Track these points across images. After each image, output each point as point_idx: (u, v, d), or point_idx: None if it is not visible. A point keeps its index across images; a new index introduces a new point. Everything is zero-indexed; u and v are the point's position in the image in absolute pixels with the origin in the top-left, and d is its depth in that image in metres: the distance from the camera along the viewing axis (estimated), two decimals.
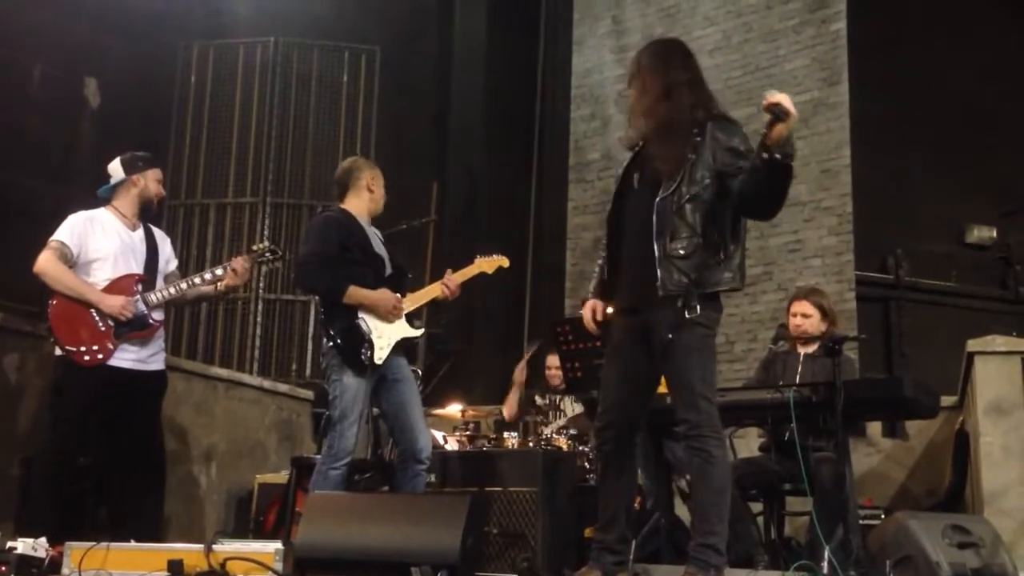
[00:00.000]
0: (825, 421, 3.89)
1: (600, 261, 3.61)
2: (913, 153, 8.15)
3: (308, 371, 8.57)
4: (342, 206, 4.36)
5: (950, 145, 8.09)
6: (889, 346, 8.00)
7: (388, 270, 4.30)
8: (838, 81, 7.94)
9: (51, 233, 4.31)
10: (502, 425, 6.32)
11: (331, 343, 4.11)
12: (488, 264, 4.57)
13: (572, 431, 5.52)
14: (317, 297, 4.49)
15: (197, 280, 4.47)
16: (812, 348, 4.59)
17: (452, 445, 5.31)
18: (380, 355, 4.12)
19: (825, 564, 3.53)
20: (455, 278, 4.37)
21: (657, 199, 3.23)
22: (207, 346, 8.51)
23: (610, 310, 3.60)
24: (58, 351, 4.28)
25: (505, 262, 4.60)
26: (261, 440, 6.34)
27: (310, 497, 3.53)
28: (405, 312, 4.24)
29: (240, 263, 4.49)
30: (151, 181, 4.55)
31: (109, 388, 4.25)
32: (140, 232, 4.52)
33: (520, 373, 6.39)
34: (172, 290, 4.42)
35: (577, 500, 4.27)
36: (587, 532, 4.16)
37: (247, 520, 5.66)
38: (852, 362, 4.79)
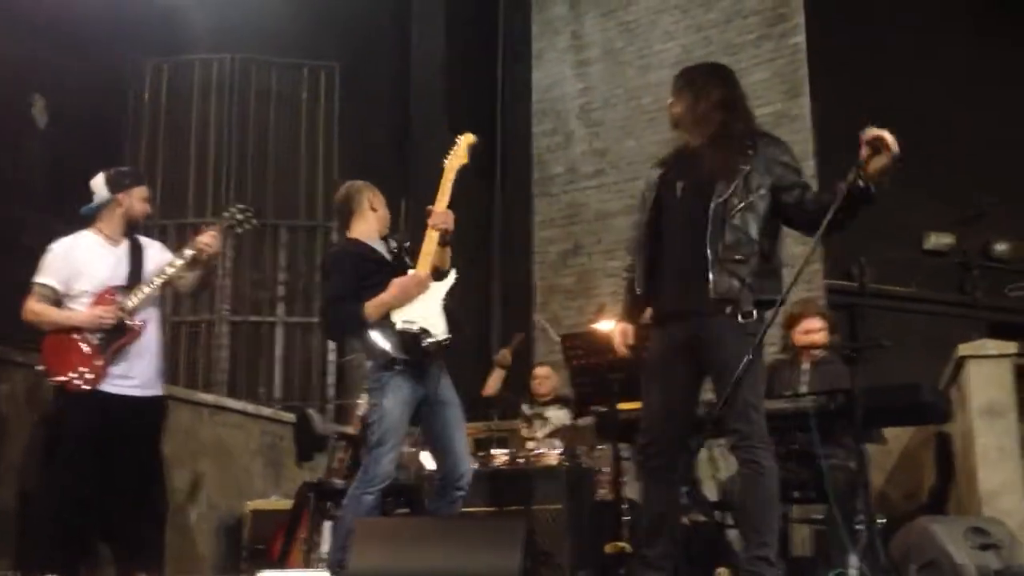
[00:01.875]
0: (843, 428, 3.93)
1: (626, 279, 3.57)
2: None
3: (278, 393, 8.44)
4: (349, 235, 4.26)
5: (909, 153, 8.29)
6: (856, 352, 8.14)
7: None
8: (799, 94, 8.11)
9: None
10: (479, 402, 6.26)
11: (382, 361, 3.92)
12: (456, 158, 4.28)
13: (559, 444, 5.52)
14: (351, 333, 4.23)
15: (169, 269, 4.26)
16: (814, 356, 4.65)
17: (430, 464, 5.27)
18: (437, 329, 3.92)
19: (856, 571, 3.56)
20: (436, 206, 4.09)
21: (712, 204, 3.23)
22: (171, 367, 8.28)
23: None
24: (51, 382, 4.12)
25: (470, 137, 4.34)
26: (247, 466, 6.20)
27: (358, 523, 3.44)
28: (425, 277, 4.01)
29: (206, 239, 4.30)
30: (136, 200, 4.38)
31: (108, 417, 4.10)
32: (124, 246, 4.36)
33: (503, 358, 6.34)
34: (146, 288, 4.22)
35: (597, 516, 4.24)
36: (607, 548, 4.14)
37: (239, 550, 5.52)
38: (847, 369, 4.86)
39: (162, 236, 8.51)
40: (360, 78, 9.22)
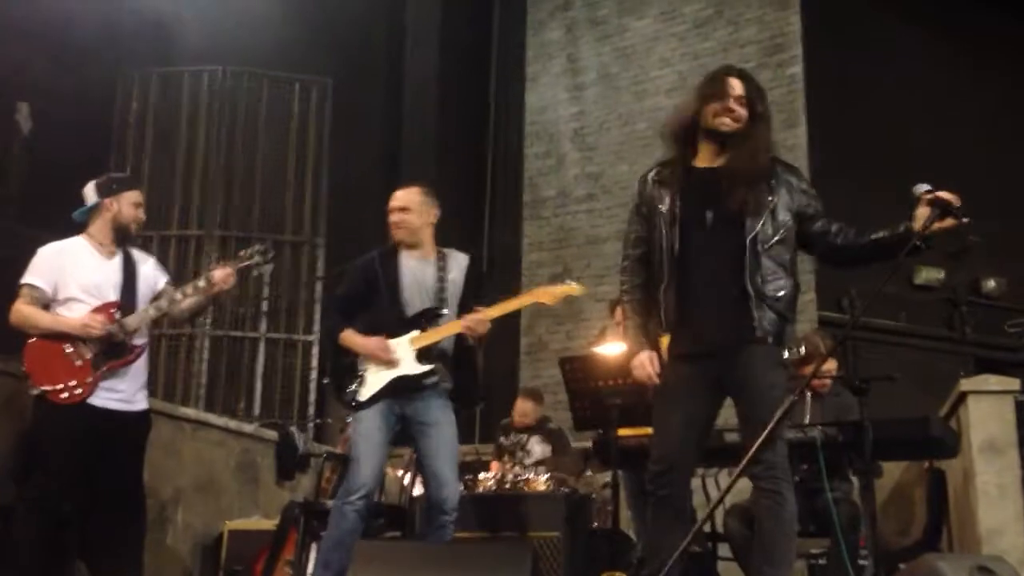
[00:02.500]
0: (851, 461, 3.84)
1: (629, 302, 3.40)
2: (867, 194, 8.33)
3: (256, 409, 8.27)
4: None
5: (901, 187, 8.29)
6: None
7: (410, 309, 4.07)
8: (796, 123, 8.10)
9: None
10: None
11: (329, 381, 4.07)
12: (545, 295, 4.15)
13: (547, 473, 5.41)
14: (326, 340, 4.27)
15: (178, 296, 4.17)
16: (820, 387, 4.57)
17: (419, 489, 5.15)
18: (365, 392, 4.00)
19: None
20: (486, 313, 4.03)
21: (748, 238, 3.13)
22: (150, 382, 8.09)
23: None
24: (34, 392, 3.96)
25: (577, 290, 4.19)
26: (226, 484, 6.03)
27: (358, 547, 3.30)
28: (415, 348, 4.01)
29: (220, 274, 4.16)
30: (126, 205, 4.19)
31: (91, 431, 3.94)
32: (117, 259, 4.21)
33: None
34: (152, 311, 4.11)
35: (593, 544, 4.13)
36: None
37: (216, 570, 5.35)
38: (855, 400, 4.78)
39: (145, 247, 8.31)
40: (352, 95, 9.14)
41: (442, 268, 4.12)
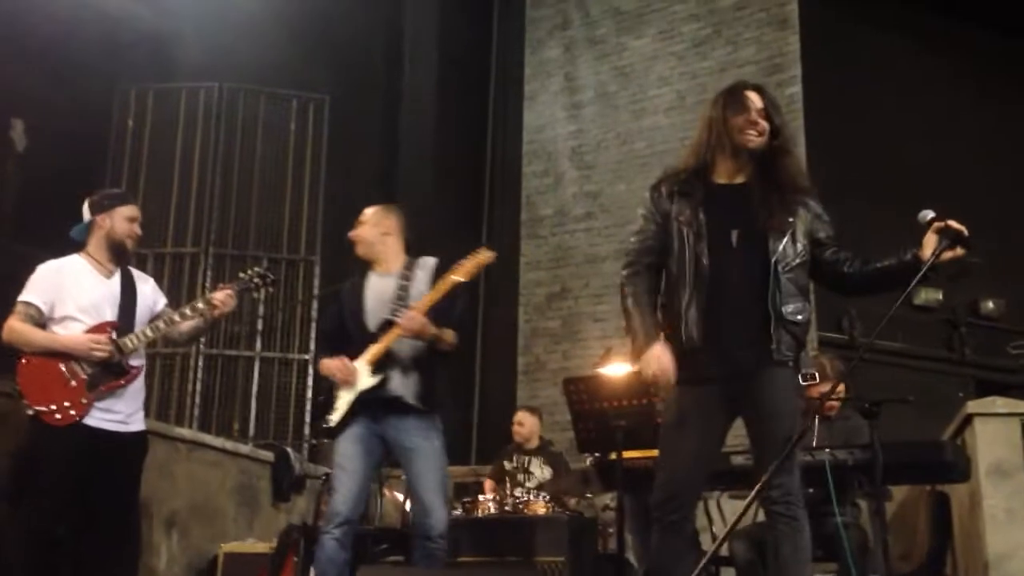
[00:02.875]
0: (861, 484, 3.78)
1: (637, 305, 3.25)
2: (866, 216, 8.31)
3: (251, 430, 8.18)
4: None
5: (900, 207, 8.28)
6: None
7: (368, 330, 3.98)
8: (794, 144, 8.05)
9: None
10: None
11: None
12: (463, 272, 3.92)
13: (546, 495, 5.34)
14: None
15: (176, 318, 4.08)
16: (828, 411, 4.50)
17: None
18: (334, 417, 3.95)
19: None
20: (414, 308, 3.88)
21: (773, 259, 3.07)
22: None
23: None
24: (29, 412, 3.87)
25: (486, 255, 3.97)
26: (221, 506, 5.93)
27: (361, 573, 3.22)
28: (367, 364, 3.92)
29: (221, 296, 4.08)
30: (119, 221, 4.09)
31: (86, 451, 3.84)
32: (116, 278, 4.13)
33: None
34: (149, 332, 4.03)
35: (599, 569, 4.05)
36: None
37: None
38: (865, 423, 4.72)
39: (140, 264, 8.29)
40: (350, 112, 9.10)
41: (405, 278, 4.01)
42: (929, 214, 3.00)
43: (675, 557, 3.14)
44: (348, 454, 3.89)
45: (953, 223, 2.92)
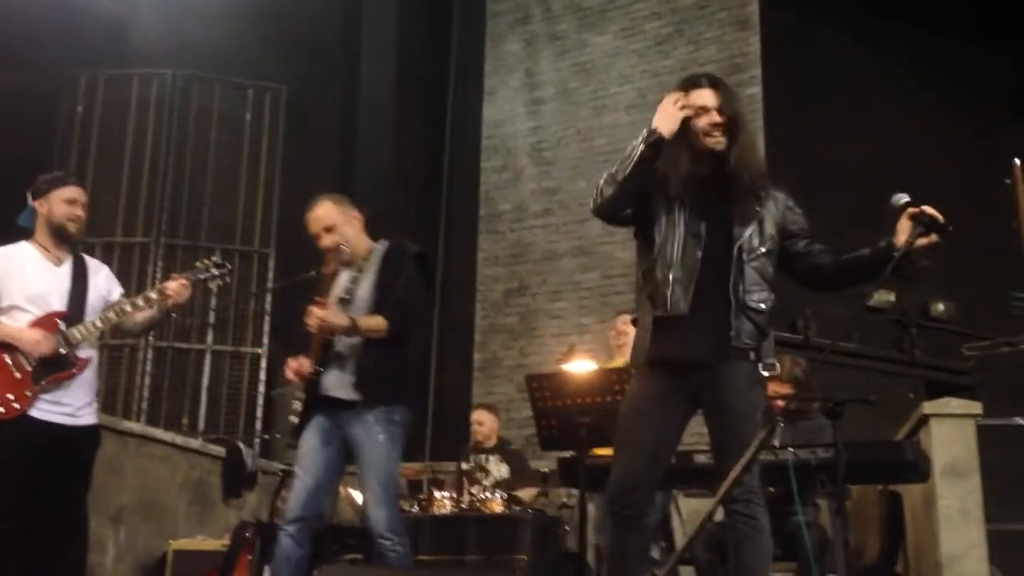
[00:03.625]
0: (823, 484, 3.78)
1: None
2: (821, 216, 8.35)
3: (201, 424, 8.02)
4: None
5: (854, 209, 8.36)
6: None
7: None
8: (752, 133, 8.10)
9: None
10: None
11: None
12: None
13: (504, 494, 5.29)
14: None
15: (128, 308, 3.95)
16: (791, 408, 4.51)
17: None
18: (293, 418, 3.89)
19: None
20: (313, 305, 3.85)
21: (734, 247, 3.05)
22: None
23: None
24: None
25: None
26: (171, 502, 5.80)
27: (323, 570, 3.14)
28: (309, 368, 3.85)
29: (174, 286, 3.95)
30: (56, 203, 3.94)
31: (32, 445, 3.72)
32: (66, 267, 4.00)
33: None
34: (99, 323, 3.90)
35: (561, 568, 4.01)
36: None
37: None
38: (827, 423, 4.73)
39: (88, 254, 8.07)
40: (306, 103, 8.96)
41: (360, 268, 3.94)
42: (903, 198, 2.95)
43: (633, 553, 3.11)
44: (305, 448, 3.82)
45: (928, 208, 2.88)
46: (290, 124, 8.73)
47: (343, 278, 3.97)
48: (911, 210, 2.91)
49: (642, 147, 3.07)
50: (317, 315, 3.71)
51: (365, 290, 3.87)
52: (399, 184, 9.28)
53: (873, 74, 8.54)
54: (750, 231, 3.07)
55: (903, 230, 2.91)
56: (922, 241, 2.89)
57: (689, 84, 3.18)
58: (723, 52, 8.41)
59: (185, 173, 8.45)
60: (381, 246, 4.02)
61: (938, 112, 8.68)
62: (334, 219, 3.95)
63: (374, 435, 3.76)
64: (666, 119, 3.05)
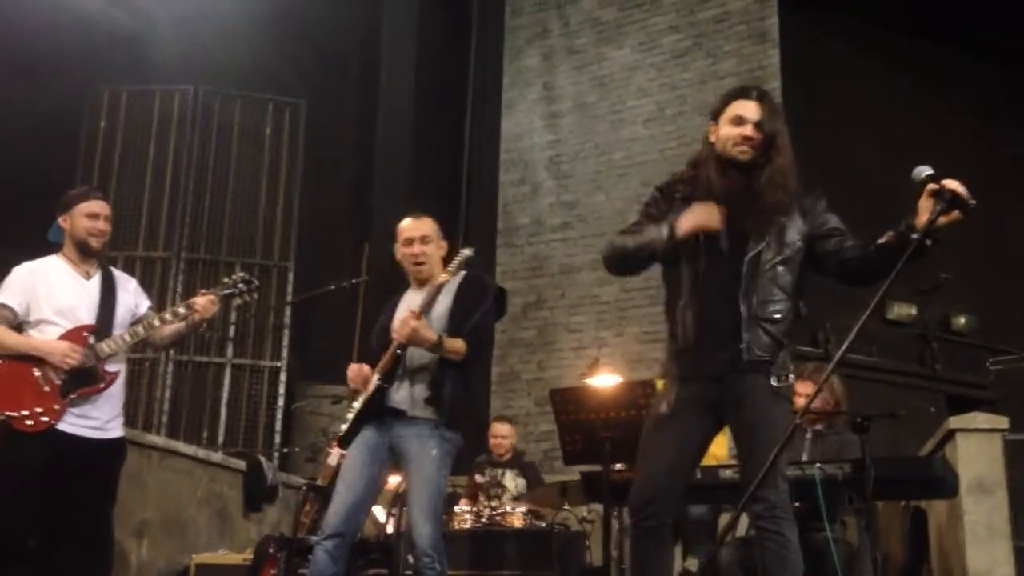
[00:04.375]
0: (851, 500, 3.75)
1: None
2: (846, 224, 8.34)
3: (220, 438, 8.04)
4: None
5: (873, 221, 8.33)
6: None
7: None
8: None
9: None
10: None
11: None
12: (447, 273, 3.93)
13: (523, 508, 5.28)
14: None
15: (156, 322, 3.98)
16: (819, 424, 4.48)
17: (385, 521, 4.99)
18: (342, 427, 3.87)
19: None
20: (413, 313, 3.77)
21: (746, 257, 3.03)
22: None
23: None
24: (1, 417, 3.75)
25: (467, 254, 3.98)
26: (193, 515, 5.81)
27: None
28: (376, 372, 3.83)
29: (202, 302, 3.99)
30: (79, 218, 3.96)
31: (61, 459, 3.73)
32: (95, 280, 4.02)
33: None
34: (127, 337, 3.92)
35: None
36: None
37: None
38: (855, 438, 4.70)
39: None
40: (326, 118, 9.03)
41: (435, 292, 3.88)
42: (925, 171, 2.76)
43: (653, 565, 3.08)
44: (350, 464, 3.78)
45: (950, 183, 2.71)
46: (310, 138, 8.79)
47: (411, 298, 3.94)
48: (931, 186, 2.73)
49: (662, 240, 3.06)
50: (412, 324, 3.69)
51: (440, 312, 3.86)
52: (417, 198, 9.29)
53: (892, 87, 8.53)
54: (764, 243, 3.03)
55: (924, 209, 2.74)
56: (945, 219, 2.70)
57: (738, 93, 3.17)
58: (742, 65, 8.41)
59: (206, 187, 8.52)
60: (458, 275, 3.98)
61: (958, 125, 8.67)
62: (433, 234, 3.99)
63: (428, 449, 3.75)
64: (691, 220, 3.02)
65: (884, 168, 8.55)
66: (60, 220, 3.99)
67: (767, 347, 2.99)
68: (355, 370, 3.86)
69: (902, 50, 8.88)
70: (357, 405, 3.86)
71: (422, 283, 3.92)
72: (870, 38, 8.74)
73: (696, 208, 3.03)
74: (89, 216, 3.99)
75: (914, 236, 2.72)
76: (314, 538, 3.91)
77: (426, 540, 3.64)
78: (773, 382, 2.98)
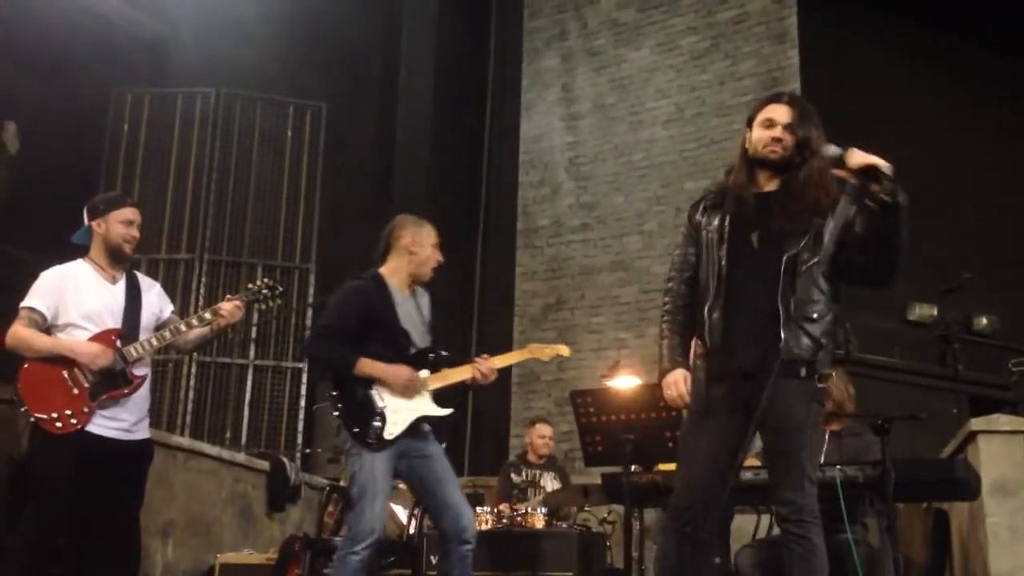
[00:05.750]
0: (872, 502, 3.75)
1: (670, 324, 3.28)
2: None
3: (243, 438, 8.11)
4: (379, 270, 4.02)
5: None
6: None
7: (415, 346, 3.94)
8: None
9: None
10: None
11: (339, 417, 3.83)
12: (540, 351, 4.26)
13: (545, 509, 5.30)
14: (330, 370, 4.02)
15: (183, 327, 4.03)
16: (837, 426, 4.48)
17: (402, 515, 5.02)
18: (392, 430, 3.79)
19: None
20: (492, 362, 4.03)
21: (785, 256, 3.04)
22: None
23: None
24: (31, 419, 3.81)
25: (566, 351, 4.28)
26: (217, 515, 5.86)
27: None
28: (428, 390, 3.89)
29: (229, 307, 4.03)
30: (114, 224, 4.03)
31: (89, 460, 3.78)
32: (120, 285, 4.07)
33: None
34: (154, 341, 3.97)
35: None
36: None
37: None
38: (875, 440, 4.70)
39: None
40: (346, 120, 9.07)
41: (418, 305, 4.03)
42: (832, 149, 2.99)
43: (692, 572, 3.10)
44: (386, 470, 3.77)
45: (857, 156, 2.93)
46: (330, 141, 8.84)
47: (400, 299, 3.98)
48: (838, 172, 2.95)
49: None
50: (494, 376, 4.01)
51: (426, 316, 4.03)
52: (437, 200, 9.34)
53: (912, 85, 8.50)
54: (803, 243, 3.04)
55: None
56: (875, 189, 2.91)
57: (770, 98, 3.24)
58: (761, 66, 8.39)
59: (228, 190, 8.58)
60: (424, 292, 4.14)
61: (979, 125, 8.62)
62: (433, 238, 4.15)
63: (440, 448, 3.91)
64: (667, 387, 3.21)
65: (909, 164, 8.49)
66: (94, 224, 4.03)
67: (806, 348, 3.01)
68: (411, 376, 3.85)
69: (926, 44, 8.83)
70: (405, 412, 3.84)
71: (411, 286, 4.01)
72: (892, 33, 8.70)
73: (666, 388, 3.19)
74: (124, 223, 4.05)
75: (868, 203, 2.89)
76: (337, 538, 3.95)
77: (472, 528, 3.77)
78: (817, 383, 3.00)
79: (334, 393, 3.87)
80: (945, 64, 8.73)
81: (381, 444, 3.77)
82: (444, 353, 3.99)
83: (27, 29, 7.51)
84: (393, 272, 3.99)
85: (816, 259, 3.05)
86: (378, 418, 3.78)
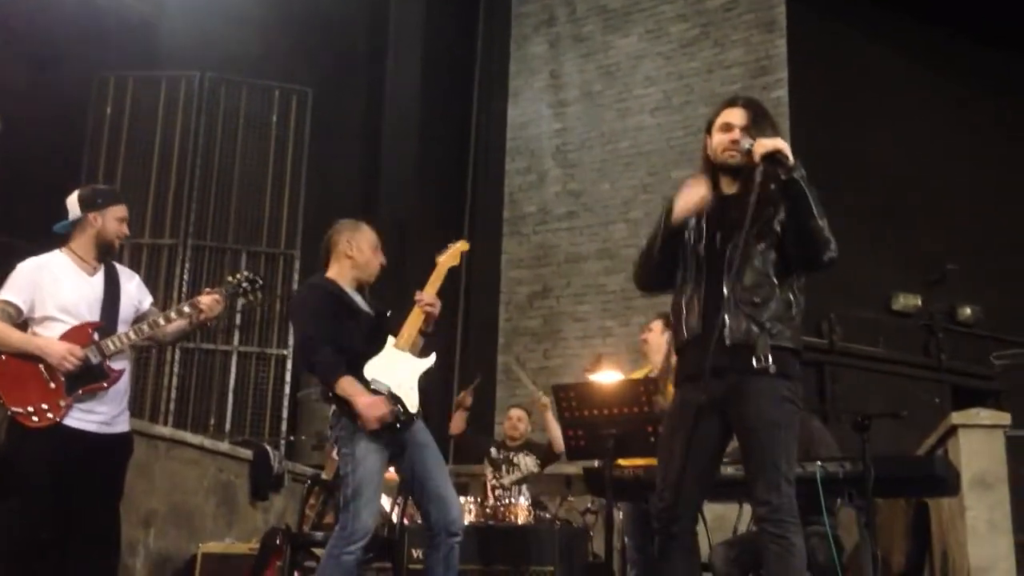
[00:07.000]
0: (851, 498, 3.77)
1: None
2: (847, 219, 8.32)
3: (227, 426, 8.09)
4: (326, 275, 4.01)
5: (880, 210, 8.32)
6: (825, 410, 8.07)
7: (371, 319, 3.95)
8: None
9: None
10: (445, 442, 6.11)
11: (342, 413, 3.75)
12: (450, 258, 4.14)
13: (526, 492, 5.31)
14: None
15: (161, 320, 3.99)
16: None
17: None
18: (413, 401, 3.78)
19: None
20: (426, 293, 3.94)
21: (730, 244, 3.06)
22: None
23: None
24: (8, 412, 3.77)
25: (464, 245, 4.21)
26: (199, 505, 5.84)
27: None
28: (402, 350, 3.85)
29: (208, 300, 3.99)
30: (110, 220, 3.99)
31: (67, 454, 3.75)
32: (99, 276, 4.03)
33: (463, 399, 6.21)
34: (132, 334, 3.93)
35: None
36: None
37: None
38: (824, 430, 4.72)
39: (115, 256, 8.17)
40: (332, 105, 9.01)
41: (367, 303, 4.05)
42: (747, 143, 3.02)
43: (673, 572, 3.11)
44: (378, 464, 3.74)
45: (764, 144, 2.96)
46: (316, 126, 8.79)
47: (357, 299, 3.99)
48: (750, 162, 3.00)
49: (663, 229, 3.18)
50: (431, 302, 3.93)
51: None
52: (424, 186, 9.32)
53: (899, 76, 8.49)
54: (750, 231, 3.03)
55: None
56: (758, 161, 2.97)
57: (726, 103, 3.25)
58: (749, 55, 8.37)
59: (212, 174, 8.53)
60: None
61: (965, 116, 8.62)
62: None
63: (431, 438, 3.89)
64: (682, 201, 3.15)
65: (899, 158, 8.54)
66: (90, 216, 3.98)
67: (747, 331, 3.01)
68: (377, 404, 3.76)
69: (918, 38, 8.82)
70: (400, 375, 3.80)
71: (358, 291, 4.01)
72: (880, 23, 8.68)
73: (684, 189, 3.15)
74: (120, 220, 4.02)
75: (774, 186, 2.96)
76: (319, 534, 3.93)
77: (460, 520, 3.76)
78: (755, 364, 2.99)
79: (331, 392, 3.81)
80: (932, 55, 8.73)
81: (409, 419, 3.77)
82: (388, 313, 3.96)
83: (10, 11, 7.43)
84: (337, 277, 3.96)
85: (761, 246, 3.06)
86: (391, 399, 3.75)
